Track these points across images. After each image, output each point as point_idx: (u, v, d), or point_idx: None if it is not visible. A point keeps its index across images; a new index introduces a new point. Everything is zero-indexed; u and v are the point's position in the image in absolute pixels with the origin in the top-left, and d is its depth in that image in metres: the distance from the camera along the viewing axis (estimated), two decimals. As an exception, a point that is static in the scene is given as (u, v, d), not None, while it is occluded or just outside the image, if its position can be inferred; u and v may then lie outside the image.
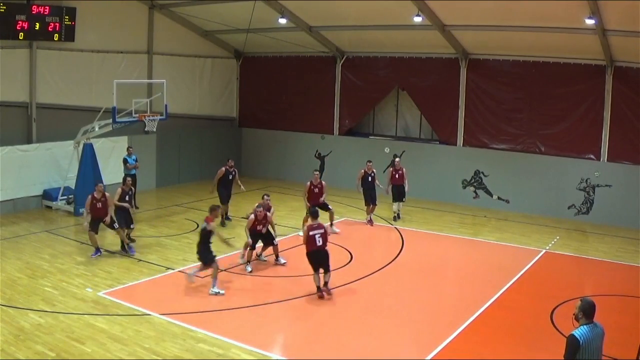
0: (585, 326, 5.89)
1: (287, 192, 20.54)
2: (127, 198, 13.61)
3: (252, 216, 12.50)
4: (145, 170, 19.74)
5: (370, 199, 16.65)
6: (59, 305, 10.10)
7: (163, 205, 18.55)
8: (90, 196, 12.92)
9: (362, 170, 16.79)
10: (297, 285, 11.63)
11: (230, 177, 16.35)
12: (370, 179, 16.71)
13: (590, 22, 14.33)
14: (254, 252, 12.71)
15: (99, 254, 12.94)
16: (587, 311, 5.93)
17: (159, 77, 19.02)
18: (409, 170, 17.54)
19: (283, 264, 12.83)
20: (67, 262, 12.49)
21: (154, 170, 20.98)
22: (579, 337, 5.79)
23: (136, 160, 17.82)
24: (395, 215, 17.32)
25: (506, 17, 15.94)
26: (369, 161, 17.02)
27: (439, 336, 9.31)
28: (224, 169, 16.34)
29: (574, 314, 6.01)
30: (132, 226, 13.78)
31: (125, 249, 13.32)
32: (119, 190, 13.54)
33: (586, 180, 17.79)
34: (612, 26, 14.88)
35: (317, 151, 22.75)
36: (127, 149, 18.05)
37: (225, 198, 16.27)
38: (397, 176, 16.98)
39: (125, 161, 17.61)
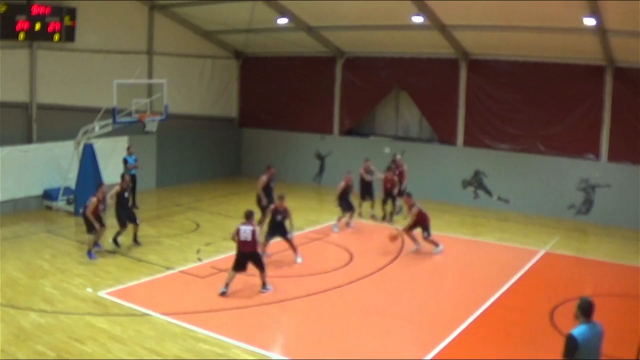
0: (583, 325, 5.89)
1: (287, 193, 20.44)
2: (125, 195, 13.62)
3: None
4: (145, 170, 19.74)
5: (369, 197, 17.05)
6: (59, 305, 10.10)
7: (163, 205, 18.55)
8: (95, 199, 12.84)
9: (362, 169, 17.12)
10: (297, 285, 11.64)
11: (272, 185, 15.51)
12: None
13: (590, 22, 14.33)
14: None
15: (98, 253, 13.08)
16: (585, 310, 5.93)
17: (159, 77, 19.04)
18: (409, 171, 17.62)
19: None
20: (67, 262, 12.48)
21: (154, 170, 20.96)
22: (577, 337, 5.78)
23: (136, 160, 17.83)
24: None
25: (506, 17, 15.93)
26: (367, 159, 17.36)
27: (439, 336, 9.31)
28: (265, 177, 15.34)
29: (574, 314, 6.02)
30: (137, 222, 13.82)
31: (91, 254, 12.82)
32: (117, 187, 13.53)
33: (586, 180, 17.79)
34: (612, 26, 14.86)
35: (317, 151, 22.75)
36: (127, 149, 18.08)
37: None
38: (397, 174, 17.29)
39: (125, 161, 17.64)
